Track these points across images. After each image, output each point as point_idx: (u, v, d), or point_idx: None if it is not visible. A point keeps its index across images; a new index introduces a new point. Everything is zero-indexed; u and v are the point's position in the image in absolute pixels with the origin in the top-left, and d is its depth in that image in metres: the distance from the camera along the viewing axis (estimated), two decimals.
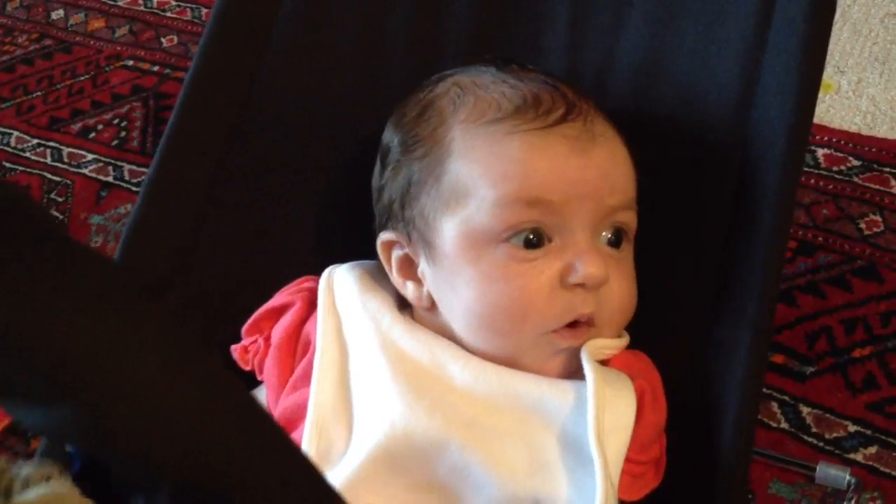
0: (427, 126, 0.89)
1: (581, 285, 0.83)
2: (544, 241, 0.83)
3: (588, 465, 0.78)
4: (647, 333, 0.90)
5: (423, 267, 0.88)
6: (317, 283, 0.94)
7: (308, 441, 0.83)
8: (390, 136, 0.92)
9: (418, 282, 0.89)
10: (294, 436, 0.87)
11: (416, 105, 0.91)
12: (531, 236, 0.83)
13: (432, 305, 0.88)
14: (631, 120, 0.92)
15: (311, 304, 0.93)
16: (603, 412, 0.80)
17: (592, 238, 0.84)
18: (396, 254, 0.90)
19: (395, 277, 0.91)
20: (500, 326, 0.84)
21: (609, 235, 0.86)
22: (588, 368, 0.82)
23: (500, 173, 0.83)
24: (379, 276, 0.93)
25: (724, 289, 0.90)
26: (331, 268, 0.95)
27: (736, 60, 0.94)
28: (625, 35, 1.01)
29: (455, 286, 0.86)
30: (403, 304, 0.92)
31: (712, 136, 0.94)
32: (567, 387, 0.83)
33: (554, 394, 0.82)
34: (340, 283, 0.92)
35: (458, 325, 0.86)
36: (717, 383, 0.86)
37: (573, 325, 0.84)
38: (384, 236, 0.91)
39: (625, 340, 0.89)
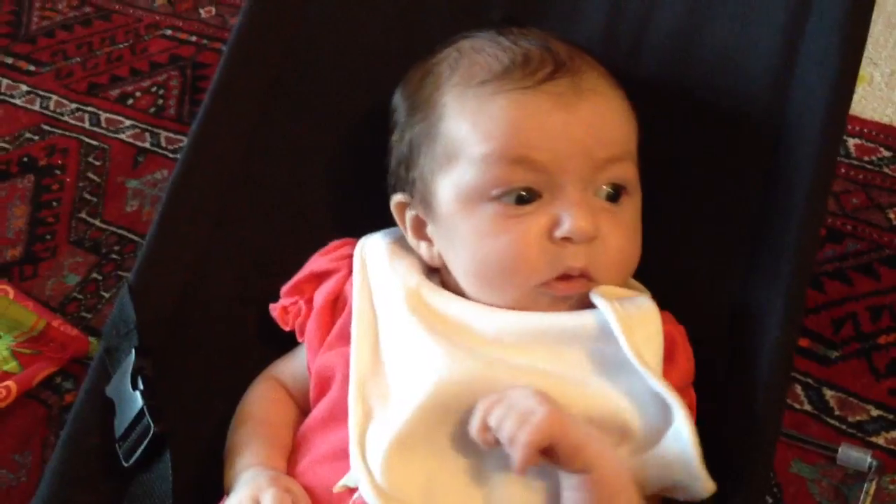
0: (425, 91, 0.92)
1: (569, 239, 0.84)
2: (535, 198, 0.85)
3: (629, 373, 0.81)
4: (680, 295, 0.91)
5: (430, 228, 0.91)
6: (353, 247, 0.96)
7: (353, 401, 0.86)
8: (397, 102, 0.96)
9: (430, 242, 0.92)
10: (329, 393, 0.90)
11: (418, 71, 0.95)
12: (523, 193, 0.85)
13: (444, 264, 0.91)
14: (669, 84, 0.93)
15: (352, 271, 0.96)
16: (630, 327, 0.83)
17: (584, 192, 0.86)
18: (409, 215, 0.94)
19: (410, 238, 0.94)
20: (493, 280, 0.87)
21: (608, 189, 0.87)
22: (598, 301, 0.85)
23: (485, 132, 0.86)
24: (407, 243, 0.96)
25: (759, 252, 0.91)
26: (365, 238, 0.97)
27: (777, 27, 0.95)
28: (662, 9, 1.03)
29: (454, 244, 0.89)
30: (432, 270, 0.94)
31: (750, 100, 0.96)
32: (585, 314, 0.86)
33: (575, 323, 0.85)
34: (372, 252, 0.95)
35: (461, 281, 0.90)
36: (751, 346, 0.87)
37: (566, 277, 0.86)
38: (396, 198, 0.95)
39: (641, 293, 0.91)
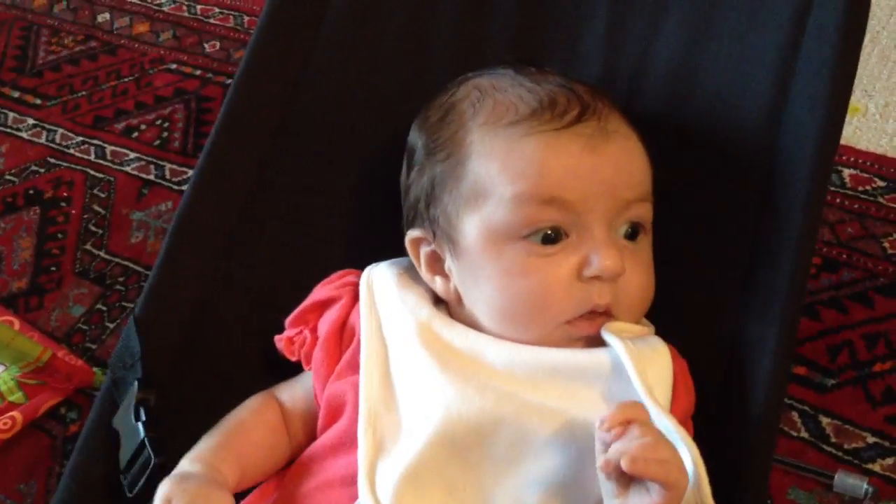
0: (448, 129, 0.93)
1: (598, 277, 0.86)
2: (561, 237, 0.87)
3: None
4: (675, 326, 0.93)
5: (449, 263, 0.92)
6: (358, 276, 0.98)
7: (363, 433, 0.87)
8: (415, 139, 0.97)
9: (446, 277, 0.93)
10: (339, 421, 0.91)
11: (438, 108, 0.96)
12: (549, 233, 0.87)
13: (460, 299, 0.93)
14: (664, 122, 0.95)
15: (355, 298, 0.97)
16: (643, 367, 0.84)
17: (609, 232, 0.88)
18: (424, 250, 0.95)
19: (424, 273, 0.95)
20: (521, 318, 0.88)
21: (626, 229, 0.89)
22: (611, 339, 0.86)
23: (517, 172, 0.87)
24: (415, 274, 0.97)
25: (752, 284, 0.93)
26: (370, 267, 0.99)
27: (769, 67, 0.98)
28: (660, 41, 1.05)
29: (478, 281, 0.90)
30: (439, 300, 0.96)
31: (743, 139, 0.98)
32: (600, 352, 0.87)
33: (589, 360, 0.87)
34: (380, 281, 0.96)
35: (483, 317, 0.91)
36: (744, 377, 0.89)
37: (590, 314, 0.88)
38: (412, 234, 0.95)
39: (648, 329, 0.93)
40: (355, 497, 0.84)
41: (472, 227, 0.89)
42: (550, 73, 0.95)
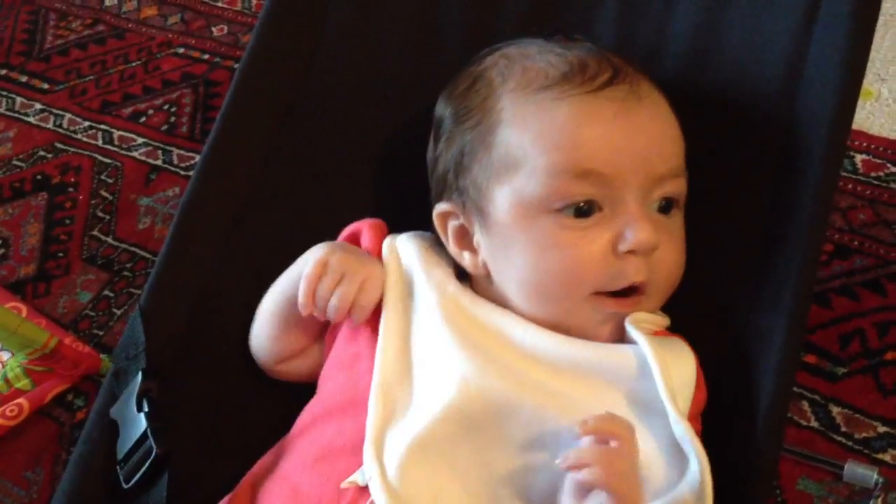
0: (477, 97, 0.91)
1: (632, 252, 0.85)
2: (595, 210, 0.86)
3: (657, 416, 0.81)
4: (685, 318, 0.92)
5: (478, 236, 0.91)
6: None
7: (374, 400, 0.86)
8: (442, 109, 0.96)
9: (474, 251, 0.92)
10: (354, 371, 0.90)
11: (466, 78, 0.94)
12: (583, 205, 0.85)
13: (489, 274, 0.91)
14: (676, 105, 0.94)
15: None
16: (668, 371, 0.83)
17: (643, 205, 0.86)
18: (452, 224, 0.93)
19: (451, 248, 0.93)
20: (553, 293, 0.87)
21: (660, 202, 0.88)
22: (636, 335, 0.85)
23: (551, 142, 0.86)
24: (438, 248, 0.96)
25: (761, 276, 0.92)
26: (392, 236, 0.97)
27: (782, 52, 0.96)
28: (674, 23, 1.04)
29: (509, 254, 0.88)
30: (462, 276, 0.95)
31: (755, 124, 0.97)
32: (624, 349, 0.86)
33: (613, 358, 0.85)
34: (404, 249, 0.95)
35: (512, 291, 0.89)
36: (753, 369, 0.88)
37: (624, 293, 0.86)
38: (440, 207, 0.94)
39: (665, 321, 0.91)
40: (358, 466, 0.83)
41: (503, 197, 0.88)
42: (578, 40, 0.94)
